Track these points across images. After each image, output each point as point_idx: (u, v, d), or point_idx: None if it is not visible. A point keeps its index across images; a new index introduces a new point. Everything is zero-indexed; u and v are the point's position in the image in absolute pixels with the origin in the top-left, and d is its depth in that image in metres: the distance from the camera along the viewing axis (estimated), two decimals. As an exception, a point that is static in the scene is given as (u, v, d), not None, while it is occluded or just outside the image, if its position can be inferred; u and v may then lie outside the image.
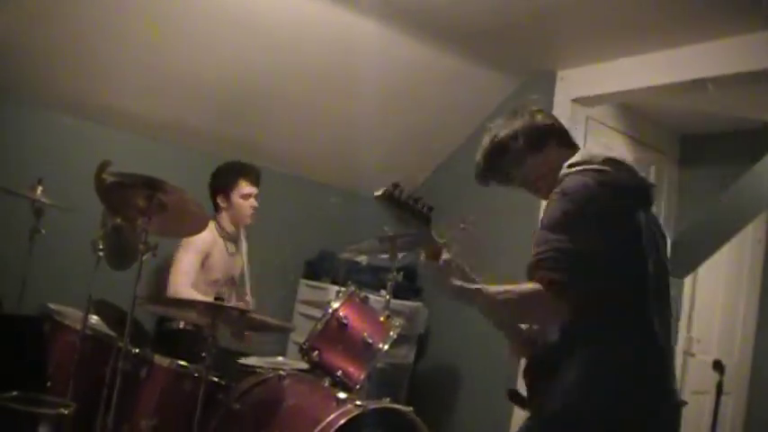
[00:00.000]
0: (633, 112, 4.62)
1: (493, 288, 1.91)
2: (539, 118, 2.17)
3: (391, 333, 3.17)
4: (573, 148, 2.15)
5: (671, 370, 1.99)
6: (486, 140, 2.19)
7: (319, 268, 4.87)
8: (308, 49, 4.05)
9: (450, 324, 4.73)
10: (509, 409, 4.12)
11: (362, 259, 4.64)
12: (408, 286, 4.78)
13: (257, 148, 4.58)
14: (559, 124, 2.21)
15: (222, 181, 3.85)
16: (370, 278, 4.47)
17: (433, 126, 4.82)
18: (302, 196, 4.97)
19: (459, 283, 1.93)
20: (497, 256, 4.27)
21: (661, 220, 4.83)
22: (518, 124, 2.14)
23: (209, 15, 3.74)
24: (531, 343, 2.10)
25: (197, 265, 3.71)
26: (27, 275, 3.26)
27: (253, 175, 3.90)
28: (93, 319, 3.13)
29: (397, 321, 3.38)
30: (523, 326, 2.17)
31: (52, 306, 3.32)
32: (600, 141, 4.46)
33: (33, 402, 2.65)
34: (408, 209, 1.82)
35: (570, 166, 2.00)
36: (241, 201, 3.84)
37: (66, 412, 2.68)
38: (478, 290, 1.92)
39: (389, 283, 3.63)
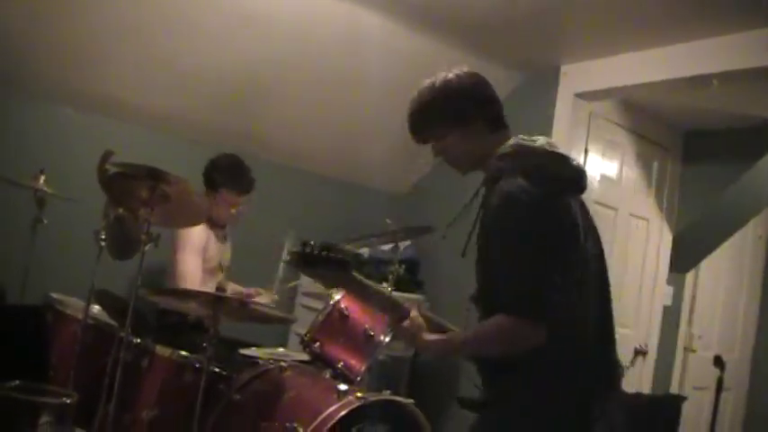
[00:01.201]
0: (636, 107, 4.61)
1: (462, 336, 1.92)
2: (468, 84, 2.08)
3: (392, 325, 3.18)
4: (502, 127, 2.07)
5: (604, 354, 1.96)
6: (415, 97, 2.14)
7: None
8: (312, 41, 4.04)
9: (452, 317, 4.73)
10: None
11: (364, 252, 4.64)
12: (410, 279, 4.78)
13: (259, 140, 4.58)
14: (487, 96, 2.10)
15: (211, 178, 3.79)
16: (372, 270, 4.48)
17: (437, 119, 4.81)
18: (304, 188, 4.97)
19: (427, 338, 1.92)
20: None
21: (663, 216, 4.87)
22: (445, 89, 2.07)
23: (212, 7, 3.74)
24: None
25: (200, 263, 3.70)
26: (29, 265, 3.27)
27: (237, 185, 3.78)
28: (95, 309, 3.14)
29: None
30: None
31: (54, 296, 3.33)
32: (603, 137, 4.46)
33: (35, 392, 2.66)
34: (323, 261, 1.74)
35: (501, 157, 1.95)
36: (222, 206, 3.78)
37: (68, 402, 2.68)
38: (447, 341, 1.92)
39: (391, 276, 3.64)
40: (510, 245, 1.82)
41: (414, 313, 1.95)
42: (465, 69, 2.11)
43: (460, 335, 1.91)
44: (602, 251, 2.02)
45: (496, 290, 1.83)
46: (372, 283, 1.85)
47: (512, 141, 2.00)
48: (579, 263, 1.87)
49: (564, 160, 1.98)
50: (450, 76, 2.08)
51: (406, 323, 1.93)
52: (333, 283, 1.79)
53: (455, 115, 2.05)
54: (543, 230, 1.81)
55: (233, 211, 3.80)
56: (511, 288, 1.78)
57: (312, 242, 1.73)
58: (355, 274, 1.81)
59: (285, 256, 3.56)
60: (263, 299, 3.70)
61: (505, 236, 1.83)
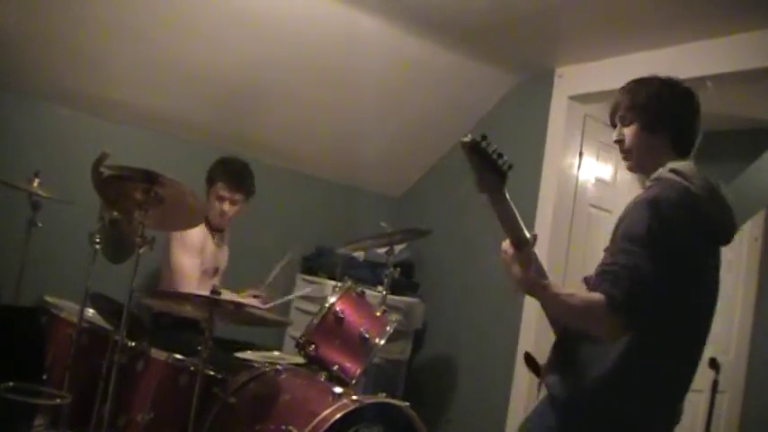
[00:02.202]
0: (632, 109, 4.61)
1: (560, 288, 1.91)
2: (680, 97, 2.12)
3: (388, 328, 3.18)
4: (685, 155, 2.11)
5: (677, 399, 2.02)
6: (637, 82, 2.15)
7: (316, 263, 4.88)
8: (309, 43, 4.04)
9: (447, 320, 4.74)
10: (505, 405, 4.13)
11: (359, 255, 4.65)
12: (405, 282, 4.79)
13: (255, 142, 4.58)
14: (691, 118, 2.16)
15: (208, 175, 3.79)
16: (368, 273, 4.48)
17: (432, 122, 4.82)
18: (300, 190, 4.97)
19: (533, 275, 1.91)
20: (498, 249, 4.27)
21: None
22: (668, 87, 2.11)
23: (208, 8, 3.73)
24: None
25: (198, 263, 3.69)
26: (24, 268, 3.26)
27: (232, 179, 3.75)
28: (90, 312, 3.13)
29: (394, 317, 3.39)
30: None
31: (49, 299, 3.32)
32: (597, 140, 4.47)
33: (30, 393, 2.65)
34: (490, 162, 1.77)
35: (672, 170, 1.98)
36: (215, 202, 3.75)
37: (63, 403, 2.68)
38: (547, 285, 1.90)
39: (386, 279, 3.64)
40: (637, 237, 1.84)
41: (533, 250, 1.94)
42: (683, 84, 2.15)
43: (558, 288, 1.90)
44: (714, 302, 2.05)
45: (606, 270, 1.85)
46: (509, 201, 1.86)
47: (687, 163, 2.04)
48: (694, 301, 1.93)
49: (722, 206, 1.99)
50: (683, 85, 2.13)
51: (522, 252, 1.90)
52: (481, 183, 1.81)
53: (654, 114, 2.08)
54: (674, 244, 1.84)
55: (226, 206, 3.74)
56: (619, 275, 1.80)
57: (489, 140, 1.77)
58: (503, 187, 1.83)
59: (283, 263, 3.59)
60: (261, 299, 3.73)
61: (637, 229, 1.85)
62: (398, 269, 3.77)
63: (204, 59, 4.00)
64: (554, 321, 2.16)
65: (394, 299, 4.27)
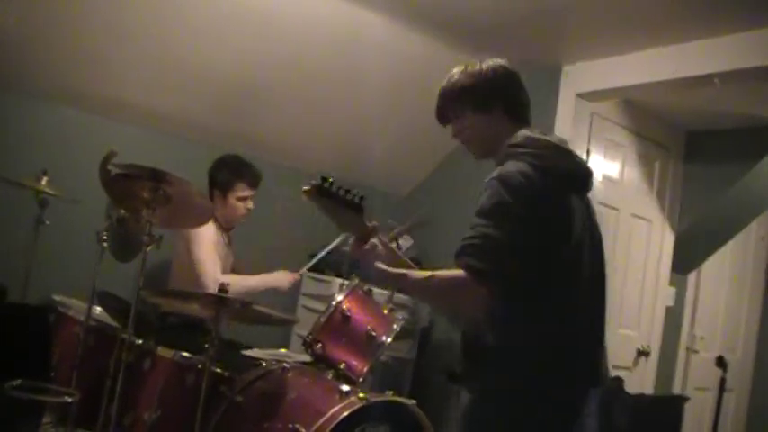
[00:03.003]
0: (638, 107, 4.61)
1: (418, 273, 1.94)
2: (498, 76, 2.16)
3: (395, 326, 3.17)
4: (521, 122, 2.12)
5: (584, 355, 1.97)
6: (446, 78, 2.20)
7: (322, 261, 4.86)
8: (314, 42, 4.04)
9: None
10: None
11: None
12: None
13: (260, 141, 4.58)
14: (513, 91, 2.18)
15: (221, 178, 3.78)
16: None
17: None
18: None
19: (383, 266, 1.94)
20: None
21: (665, 216, 4.85)
22: (476, 76, 2.15)
23: (212, 7, 3.74)
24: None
25: (218, 260, 3.69)
26: (31, 266, 3.28)
27: (252, 177, 3.81)
28: (97, 310, 3.14)
29: (401, 314, 3.38)
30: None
31: (56, 297, 3.33)
32: (604, 138, 4.46)
33: (38, 391, 2.66)
34: (340, 200, 1.80)
35: (511, 146, 2.00)
36: (237, 202, 3.78)
37: (70, 401, 2.69)
38: (403, 274, 1.93)
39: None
40: (486, 215, 1.85)
41: (374, 240, 1.98)
42: (501, 62, 2.20)
43: (415, 273, 1.94)
44: (602, 256, 2.05)
45: (461, 246, 1.87)
46: (374, 228, 1.90)
47: (522, 131, 2.04)
48: (567, 260, 1.90)
49: (570, 156, 2.03)
50: (484, 65, 2.18)
51: (368, 245, 1.94)
52: (342, 222, 1.83)
53: (478, 100, 2.12)
54: (520, 211, 1.84)
55: (249, 204, 3.82)
56: (474, 246, 1.82)
57: (331, 179, 1.79)
58: (363, 219, 1.87)
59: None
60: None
61: (486, 208, 1.87)
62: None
63: (208, 58, 4.01)
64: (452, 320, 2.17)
65: (401, 297, 4.27)
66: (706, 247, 4.99)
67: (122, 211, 2.98)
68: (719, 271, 5.24)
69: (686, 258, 4.92)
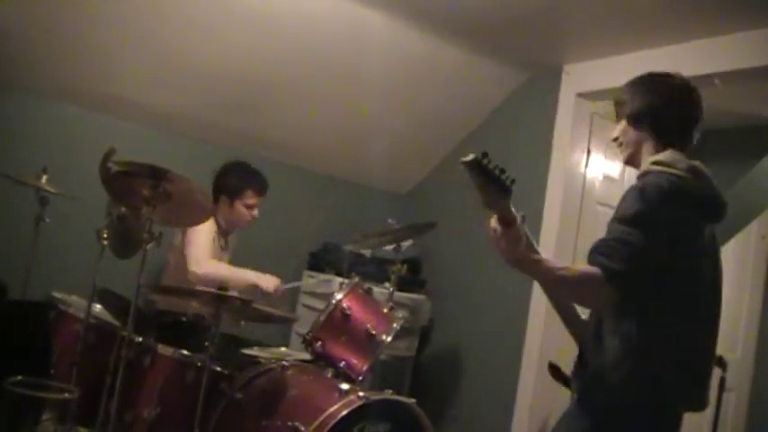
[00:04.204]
0: (639, 107, 4.60)
1: (552, 262, 1.96)
2: (659, 97, 2.17)
3: (395, 325, 3.18)
4: (674, 141, 2.14)
5: (701, 382, 2.06)
6: (632, 80, 2.23)
7: (323, 260, 4.88)
8: (316, 40, 4.04)
9: (454, 317, 4.74)
10: (512, 402, 4.13)
11: (367, 251, 4.64)
12: (412, 279, 4.79)
13: (262, 139, 4.58)
14: (673, 113, 2.18)
15: (229, 184, 3.80)
16: (375, 270, 4.48)
17: (439, 118, 4.81)
18: (307, 188, 4.97)
19: (522, 250, 1.94)
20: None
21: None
22: (638, 91, 2.18)
23: (215, 5, 3.74)
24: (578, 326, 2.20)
25: (210, 250, 3.70)
26: (32, 264, 3.27)
27: (260, 185, 3.85)
28: (97, 307, 3.14)
29: (401, 313, 3.39)
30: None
31: (57, 294, 3.33)
32: (605, 137, 4.45)
33: (38, 388, 2.66)
34: (494, 179, 1.80)
35: (654, 163, 2.04)
36: (243, 209, 3.82)
37: (70, 397, 2.69)
38: (539, 260, 1.95)
39: (393, 276, 3.64)
40: (628, 217, 1.90)
41: (518, 227, 1.95)
42: (680, 79, 2.20)
43: (551, 262, 1.96)
44: (720, 291, 2.08)
45: (598, 245, 1.91)
46: (519, 218, 1.89)
47: (669, 152, 2.08)
48: (691, 277, 1.96)
49: (707, 184, 2.06)
50: (674, 80, 2.19)
51: (511, 230, 1.92)
52: (487, 199, 1.83)
53: (633, 116, 2.17)
54: (664, 224, 1.90)
55: (254, 212, 3.86)
56: (612, 248, 1.86)
57: (490, 158, 1.79)
58: (508, 203, 1.86)
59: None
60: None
61: (628, 210, 1.92)
62: (405, 266, 3.77)
63: (210, 57, 4.01)
64: (569, 322, 2.20)
65: (401, 295, 4.27)
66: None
67: (122, 209, 2.98)
68: (720, 270, 5.23)
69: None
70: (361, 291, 3.26)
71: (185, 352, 2.97)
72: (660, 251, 1.87)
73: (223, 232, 3.88)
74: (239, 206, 3.81)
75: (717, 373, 3.67)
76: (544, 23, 3.78)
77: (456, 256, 4.79)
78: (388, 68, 4.28)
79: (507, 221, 1.89)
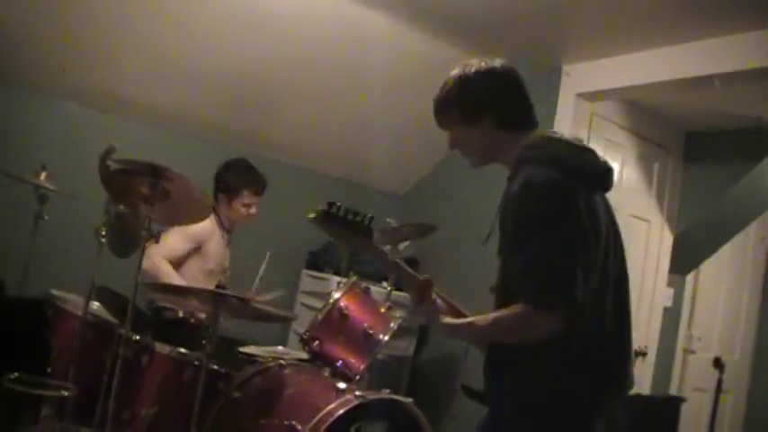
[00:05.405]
0: (638, 107, 4.61)
1: (481, 321, 1.85)
2: (484, 85, 2.04)
3: (392, 325, 3.18)
4: (520, 127, 2.02)
5: (623, 365, 1.96)
6: (441, 86, 2.11)
7: (322, 259, 4.88)
8: (317, 40, 4.05)
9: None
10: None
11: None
12: (410, 278, 4.78)
13: (262, 139, 4.58)
14: (505, 98, 2.05)
15: (228, 183, 3.82)
16: (373, 269, 4.48)
17: (438, 119, 4.81)
18: (306, 186, 4.97)
19: (449, 320, 1.89)
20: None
21: (664, 217, 4.85)
22: (460, 87, 2.05)
23: (215, 5, 3.74)
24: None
25: (183, 247, 3.70)
26: (30, 261, 3.27)
27: (258, 185, 3.87)
28: (95, 305, 3.14)
29: (399, 313, 3.38)
30: None
31: (55, 292, 3.33)
32: (604, 138, 4.46)
33: (35, 384, 2.66)
34: (349, 224, 1.75)
35: (526, 148, 1.92)
36: (241, 208, 3.84)
37: (67, 395, 2.69)
38: (469, 324, 1.88)
39: (391, 275, 3.63)
40: (530, 232, 1.78)
41: (433, 294, 1.91)
42: (492, 63, 2.11)
43: (479, 320, 1.86)
44: (623, 256, 2.00)
45: (516, 279, 1.78)
46: (389, 252, 1.84)
47: (538, 133, 1.98)
48: (598, 261, 1.83)
49: (590, 154, 1.97)
50: (470, 69, 2.07)
51: (424, 303, 1.88)
52: (352, 246, 1.79)
53: (465, 115, 2.04)
54: (565, 219, 1.79)
55: (252, 210, 3.88)
56: (531, 277, 1.75)
57: (338, 204, 1.74)
58: (374, 242, 1.81)
59: (260, 274, 3.58)
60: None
61: (526, 222, 1.80)
62: (403, 265, 3.75)
63: (211, 56, 4.01)
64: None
65: (399, 295, 4.27)
66: (705, 248, 4.99)
67: (121, 207, 2.98)
68: (718, 272, 5.24)
69: (685, 259, 4.92)
70: (358, 290, 3.26)
71: (183, 350, 2.97)
72: (566, 251, 1.75)
73: (225, 228, 3.89)
74: (237, 205, 3.84)
75: (714, 374, 3.68)
76: (543, 24, 3.78)
77: (453, 256, 4.79)
78: (388, 69, 4.28)
79: (421, 294, 1.84)
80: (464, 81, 2.06)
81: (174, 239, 3.65)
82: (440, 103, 2.10)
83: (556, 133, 2.02)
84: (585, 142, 2.05)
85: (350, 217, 1.76)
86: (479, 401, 2.06)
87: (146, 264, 3.46)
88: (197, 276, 3.74)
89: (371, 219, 1.77)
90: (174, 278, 3.63)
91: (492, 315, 1.85)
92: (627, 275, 2.00)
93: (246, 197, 3.83)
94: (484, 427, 2.00)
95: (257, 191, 3.87)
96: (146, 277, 3.23)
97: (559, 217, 1.79)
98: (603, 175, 1.99)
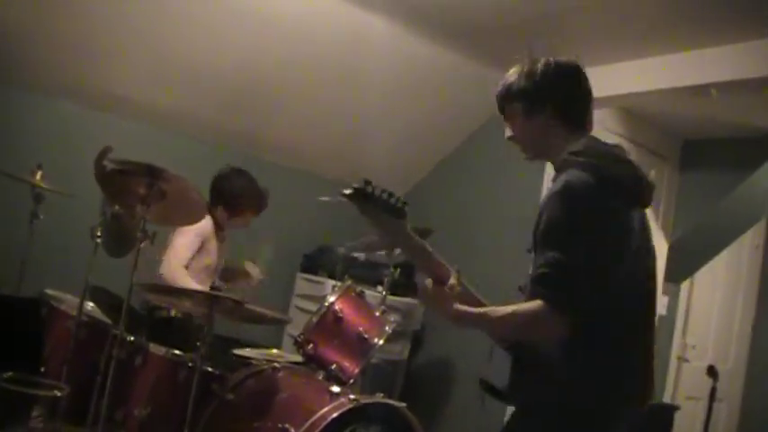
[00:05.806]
0: (635, 116, 4.62)
1: (496, 312, 1.87)
2: (548, 77, 2.07)
3: (387, 329, 3.18)
4: (577, 125, 2.08)
5: (645, 376, 1.96)
6: (502, 80, 2.14)
7: (317, 262, 4.88)
8: (315, 43, 4.05)
9: (446, 321, 4.73)
10: (503, 407, 4.12)
11: (360, 255, 4.65)
12: (405, 283, 4.77)
13: (260, 140, 4.58)
14: (567, 92, 2.10)
15: (229, 199, 3.75)
16: (368, 273, 4.48)
17: (438, 122, 4.82)
18: (303, 190, 4.96)
19: (462, 308, 1.89)
20: (500, 248, 4.27)
21: (659, 225, 4.85)
22: (525, 79, 2.07)
23: (214, 5, 3.74)
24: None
25: (194, 247, 3.68)
26: (26, 260, 3.27)
27: (260, 207, 3.85)
28: (89, 305, 3.13)
29: (393, 317, 3.39)
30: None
31: (49, 292, 3.32)
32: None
33: (28, 384, 2.65)
34: (382, 204, 1.73)
35: (571, 153, 1.95)
36: (240, 222, 3.83)
37: (59, 394, 2.68)
38: (482, 314, 1.89)
39: (386, 279, 3.64)
40: (560, 234, 1.81)
41: (453, 281, 1.90)
42: (556, 61, 2.11)
43: (495, 312, 1.87)
44: (655, 274, 2.00)
45: (537, 275, 1.81)
46: (418, 238, 1.82)
47: (584, 139, 2.01)
48: (621, 273, 1.85)
49: (631, 168, 1.97)
50: (537, 65, 2.08)
51: (444, 288, 1.88)
52: (383, 227, 1.77)
53: (527, 105, 2.06)
54: (594, 227, 1.80)
55: (248, 223, 3.86)
56: (550, 276, 1.78)
57: (374, 183, 1.72)
58: (406, 225, 1.80)
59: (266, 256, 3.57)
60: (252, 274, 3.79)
61: (556, 224, 1.82)
62: (398, 270, 3.76)
63: (210, 57, 4.01)
64: (501, 342, 2.13)
65: (393, 299, 4.28)
66: (699, 256, 4.99)
67: (117, 207, 2.97)
68: (713, 280, 5.24)
69: (679, 267, 4.92)
70: (353, 294, 3.25)
71: (177, 352, 2.96)
72: (597, 259, 1.78)
73: (220, 227, 3.87)
74: (236, 221, 3.81)
75: (708, 383, 3.68)
76: (541, 30, 3.79)
77: (450, 260, 4.78)
78: (388, 71, 4.28)
79: (440, 279, 1.84)
80: (530, 73, 2.08)
81: (186, 242, 3.62)
82: (502, 94, 2.13)
83: (606, 145, 2.04)
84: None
85: (385, 196, 1.73)
86: (496, 397, 2.07)
87: (164, 270, 3.48)
88: (199, 274, 3.73)
89: (406, 202, 1.76)
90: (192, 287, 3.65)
91: (511, 307, 1.86)
92: (655, 293, 2.01)
93: (248, 216, 3.81)
94: (508, 424, 2.04)
95: (259, 211, 3.86)
96: (141, 278, 3.21)
97: (589, 224, 1.81)
98: (643, 191, 1.98)
